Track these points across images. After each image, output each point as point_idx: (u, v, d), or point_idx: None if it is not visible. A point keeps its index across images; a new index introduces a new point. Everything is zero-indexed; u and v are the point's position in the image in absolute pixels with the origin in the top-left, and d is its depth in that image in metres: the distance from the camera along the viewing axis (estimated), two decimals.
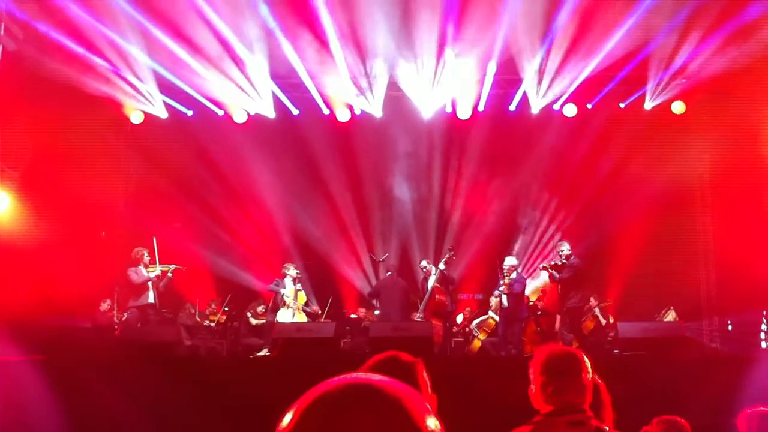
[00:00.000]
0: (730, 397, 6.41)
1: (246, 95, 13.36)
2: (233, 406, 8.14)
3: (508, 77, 13.25)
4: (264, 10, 11.80)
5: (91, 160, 12.84)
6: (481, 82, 13.23)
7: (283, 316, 11.54)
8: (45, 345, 9.07)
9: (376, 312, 12.56)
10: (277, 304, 11.80)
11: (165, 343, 10.14)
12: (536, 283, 13.64)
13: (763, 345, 11.03)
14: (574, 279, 11.12)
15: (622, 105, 13.45)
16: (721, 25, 11.72)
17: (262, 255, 13.39)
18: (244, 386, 8.45)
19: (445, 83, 13.25)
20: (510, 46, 12.56)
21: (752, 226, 11.93)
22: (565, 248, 11.29)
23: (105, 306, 12.29)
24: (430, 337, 10.00)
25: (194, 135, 13.56)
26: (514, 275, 11.41)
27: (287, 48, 12.50)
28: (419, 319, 11.49)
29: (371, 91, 13.48)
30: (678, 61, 12.51)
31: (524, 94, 13.40)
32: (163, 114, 13.53)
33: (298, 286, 11.96)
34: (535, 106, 13.48)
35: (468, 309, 13.43)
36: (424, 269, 12.17)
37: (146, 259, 11.18)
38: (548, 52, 12.68)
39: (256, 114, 13.61)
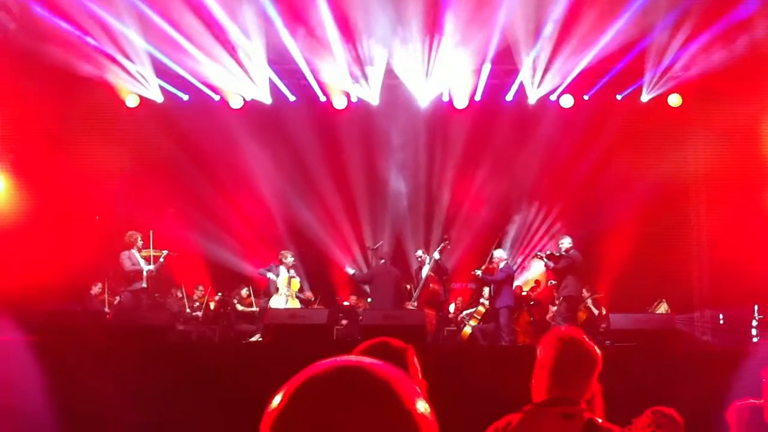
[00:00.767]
0: (720, 389, 6.44)
1: (242, 81, 13.31)
2: (224, 391, 8.14)
3: (505, 67, 13.22)
4: None
5: (85, 144, 12.81)
6: (478, 71, 13.21)
7: (277, 302, 11.55)
8: (34, 328, 9.03)
9: (369, 300, 12.56)
10: (270, 290, 11.82)
11: (157, 327, 10.13)
12: (529, 275, 13.70)
13: (755, 338, 11.08)
14: (569, 269, 11.16)
15: (618, 97, 13.44)
16: (718, 19, 11.73)
17: (256, 241, 13.38)
18: (236, 372, 8.45)
19: (442, 72, 13.23)
20: (507, 35, 12.54)
21: (746, 220, 11.97)
22: (566, 242, 11.29)
23: (96, 289, 12.26)
24: (422, 325, 10.01)
25: (189, 120, 13.48)
26: (502, 265, 11.47)
27: (284, 34, 12.45)
28: (412, 308, 11.52)
29: (366, 78, 13.45)
30: (675, 55, 12.51)
31: (521, 84, 13.39)
32: (159, 98, 13.47)
33: (292, 272, 11.96)
34: (532, 97, 13.47)
35: (459, 299, 13.47)
36: (419, 258, 12.18)
37: (139, 243, 11.13)
38: (545, 43, 12.66)
39: (252, 100, 13.56)
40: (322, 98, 13.67)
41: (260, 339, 11.10)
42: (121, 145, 13.31)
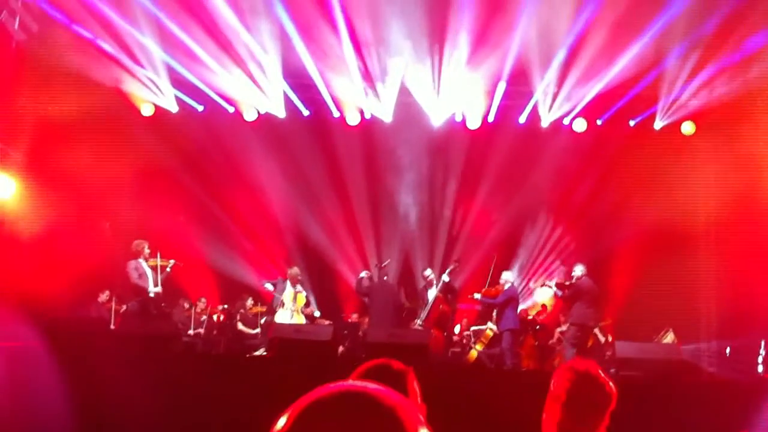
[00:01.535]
0: (726, 421, 6.39)
1: (257, 94, 13.40)
2: (227, 403, 8.12)
3: (519, 89, 13.27)
4: (280, 9, 11.85)
5: (98, 151, 12.86)
6: (492, 92, 13.25)
7: (282, 316, 11.54)
8: (41, 334, 9.03)
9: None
10: (273, 305, 11.79)
11: (163, 336, 10.12)
12: (536, 299, 13.65)
13: (760, 371, 10.99)
14: (576, 297, 11.14)
15: (632, 123, 13.45)
16: (731, 49, 11.74)
17: (265, 254, 13.39)
18: (240, 384, 8.43)
19: (456, 92, 13.28)
20: (522, 58, 12.59)
21: (755, 252, 11.92)
22: (578, 270, 11.29)
23: (104, 297, 12.27)
24: (425, 344, 9.98)
25: (203, 130, 13.56)
26: (507, 287, 11.46)
27: (300, 48, 12.54)
28: (419, 328, 11.48)
29: (378, 92, 13.49)
30: (688, 83, 12.53)
31: (534, 106, 13.42)
32: (174, 108, 13.56)
33: (299, 287, 11.93)
34: (545, 120, 13.49)
35: (465, 320, 13.43)
36: (428, 278, 12.14)
37: (146, 252, 11.07)
38: (560, 66, 12.70)
39: (266, 113, 13.65)
40: (336, 113, 13.74)
41: (265, 353, 11.08)
42: (134, 154, 13.38)
